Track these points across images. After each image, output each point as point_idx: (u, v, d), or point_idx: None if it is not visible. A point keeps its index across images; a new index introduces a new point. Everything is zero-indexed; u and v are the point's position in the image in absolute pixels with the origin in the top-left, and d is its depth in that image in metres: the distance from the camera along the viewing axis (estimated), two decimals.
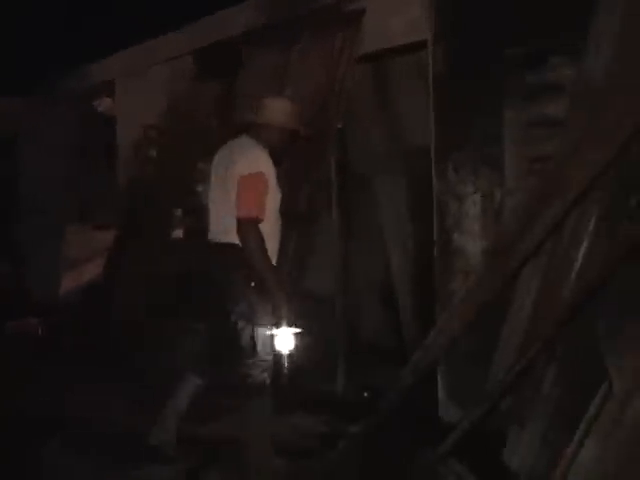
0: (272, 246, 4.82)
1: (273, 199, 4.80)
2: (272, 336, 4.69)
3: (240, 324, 4.74)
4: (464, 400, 5.00)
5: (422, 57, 5.69)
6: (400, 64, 6.39)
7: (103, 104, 10.18)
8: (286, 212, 5.07)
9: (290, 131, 4.95)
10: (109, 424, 5.67)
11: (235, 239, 4.68)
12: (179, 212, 8.06)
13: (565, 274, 4.34)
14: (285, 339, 4.68)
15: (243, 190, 4.66)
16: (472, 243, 5.25)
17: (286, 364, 4.75)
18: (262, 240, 4.64)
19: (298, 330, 4.71)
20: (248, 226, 4.62)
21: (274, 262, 4.81)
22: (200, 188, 7.74)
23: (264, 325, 4.70)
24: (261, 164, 4.72)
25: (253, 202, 4.65)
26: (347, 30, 6.25)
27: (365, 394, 6.13)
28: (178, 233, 7.95)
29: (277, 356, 4.76)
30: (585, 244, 4.26)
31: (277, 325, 4.65)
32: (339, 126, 6.28)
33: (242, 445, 4.77)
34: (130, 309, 7.52)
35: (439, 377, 5.41)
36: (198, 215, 7.65)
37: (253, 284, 4.68)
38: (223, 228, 4.80)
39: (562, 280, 4.36)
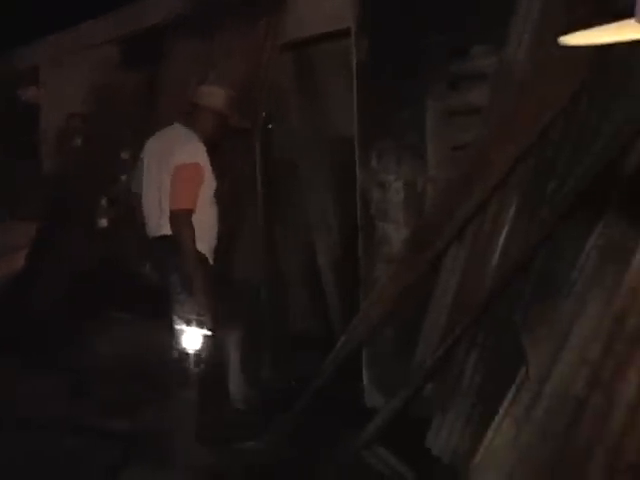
0: (211, 234, 4.87)
1: (209, 187, 4.81)
2: (181, 332, 4.69)
3: (173, 318, 4.73)
4: (389, 387, 5.03)
5: (346, 45, 5.70)
6: (324, 52, 6.39)
7: (28, 92, 10.00)
8: None
9: (224, 118, 4.96)
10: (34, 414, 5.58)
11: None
12: (104, 201, 7.98)
13: (487, 260, 4.40)
14: (193, 339, 4.68)
15: (178, 181, 4.64)
16: (395, 231, 5.28)
17: (191, 364, 4.74)
18: (193, 233, 4.62)
19: (208, 333, 4.69)
20: (181, 218, 4.61)
21: (214, 248, 4.85)
22: (124, 177, 7.67)
23: (182, 321, 4.68)
24: (197, 155, 4.73)
25: (187, 194, 4.64)
26: (271, 17, 6.24)
27: (292, 382, 6.12)
28: (103, 222, 7.87)
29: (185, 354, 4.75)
30: (506, 229, 4.32)
31: (188, 323, 4.65)
32: (264, 113, 6.25)
33: (164, 437, 4.75)
34: (52, 300, 7.40)
35: (364, 364, 5.43)
36: (123, 204, 7.60)
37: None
38: (161, 220, 4.76)
39: (484, 266, 4.41)
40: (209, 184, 4.81)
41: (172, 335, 4.81)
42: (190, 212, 4.63)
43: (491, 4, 4.64)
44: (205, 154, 4.77)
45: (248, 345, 5.60)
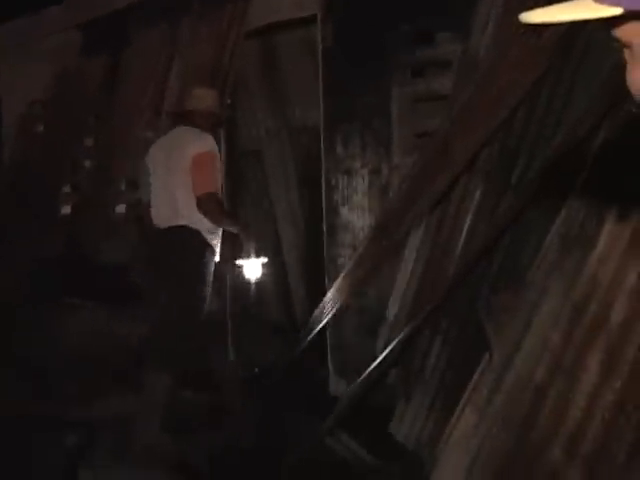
0: None
1: (220, 176, 5.09)
2: (240, 268, 5.14)
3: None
4: (353, 374, 5.03)
5: (311, 32, 5.68)
6: (290, 39, 6.37)
7: None
8: None
9: (217, 117, 5.25)
10: None
11: (186, 221, 4.86)
12: (67, 188, 7.92)
13: (451, 247, 4.41)
14: (252, 268, 5.09)
15: (198, 169, 4.85)
16: (360, 218, 5.28)
17: (253, 292, 5.34)
18: (222, 205, 5.06)
19: (264, 260, 5.13)
20: (209, 199, 4.80)
21: None
22: (87, 163, 7.61)
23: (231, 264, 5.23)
24: (210, 144, 4.95)
25: (210, 178, 4.86)
26: (236, 4, 6.20)
27: (256, 370, 6.11)
28: (66, 209, 7.81)
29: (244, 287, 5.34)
30: (470, 216, 4.33)
31: (245, 257, 5.04)
32: (228, 100, 6.23)
33: (128, 422, 4.75)
34: (13, 286, 7.32)
35: (328, 352, 5.44)
36: (85, 190, 7.54)
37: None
38: (174, 218, 4.91)
39: (448, 252, 4.42)
40: (220, 173, 5.13)
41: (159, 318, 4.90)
42: (215, 195, 4.89)
43: None
44: (215, 143, 5.03)
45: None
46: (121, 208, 7.22)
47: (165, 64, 6.81)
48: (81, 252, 7.02)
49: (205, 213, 4.82)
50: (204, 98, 5.17)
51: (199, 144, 4.91)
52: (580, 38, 3.88)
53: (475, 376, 3.67)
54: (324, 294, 5.33)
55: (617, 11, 1.16)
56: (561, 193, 3.54)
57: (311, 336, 5.04)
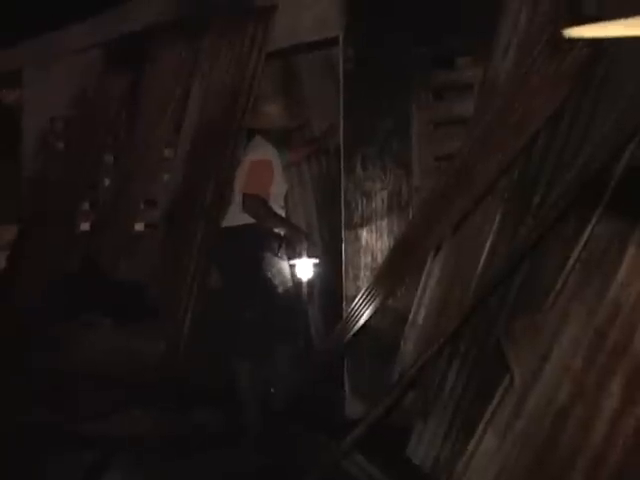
0: None
1: (281, 187, 5.37)
2: (292, 267, 5.31)
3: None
4: (370, 396, 5.02)
5: (332, 53, 5.71)
6: (310, 59, 6.40)
7: (10, 95, 9.94)
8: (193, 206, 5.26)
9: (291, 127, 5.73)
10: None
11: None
12: (86, 205, 7.96)
13: (470, 270, 4.40)
14: (304, 268, 5.27)
15: (251, 172, 5.21)
16: (379, 240, 5.28)
17: (306, 292, 5.41)
18: (266, 203, 5.16)
19: (316, 260, 5.30)
20: (252, 198, 5.11)
21: None
22: (107, 181, 7.65)
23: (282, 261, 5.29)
24: (268, 154, 5.31)
25: (259, 183, 5.18)
26: (258, 26, 6.23)
27: (272, 390, 6.09)
28: (85, 226, 7.84)
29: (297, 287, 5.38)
30: (490, 241, 4.33)
31: (298, 256, 5.24)
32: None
33: (142, 443, 4.76)
34: (32, 303, 7.34)
35: (345, 374, 5.42)
36: (105, 208, 7.57)
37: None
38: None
39: (467, 276, 4.41)
40: (281, 185, 5.50)
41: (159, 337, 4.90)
42: (257, 195, 5.21)
43: (478, 16, 4.66)
44: (275, 154, 5.41)
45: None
46: (140, 226, 7.26)
47: (186, 84, 6.85)
48: (99, 269, 7.04)
49: (249, 211, 5.12)
50: (276, 115, 5.53)
51: (259, 152, 5.29)
52: (602, 63, 3.89)
53: (495, 400, 3.66)
54: (341, 316, 5.33)
55: None
56: (583, 217, 3.54)
57: (328, 357, 5.03)
